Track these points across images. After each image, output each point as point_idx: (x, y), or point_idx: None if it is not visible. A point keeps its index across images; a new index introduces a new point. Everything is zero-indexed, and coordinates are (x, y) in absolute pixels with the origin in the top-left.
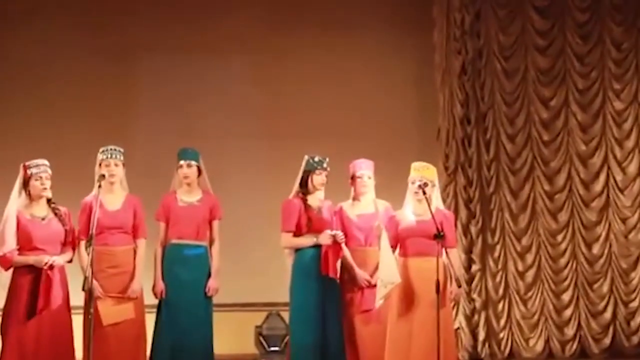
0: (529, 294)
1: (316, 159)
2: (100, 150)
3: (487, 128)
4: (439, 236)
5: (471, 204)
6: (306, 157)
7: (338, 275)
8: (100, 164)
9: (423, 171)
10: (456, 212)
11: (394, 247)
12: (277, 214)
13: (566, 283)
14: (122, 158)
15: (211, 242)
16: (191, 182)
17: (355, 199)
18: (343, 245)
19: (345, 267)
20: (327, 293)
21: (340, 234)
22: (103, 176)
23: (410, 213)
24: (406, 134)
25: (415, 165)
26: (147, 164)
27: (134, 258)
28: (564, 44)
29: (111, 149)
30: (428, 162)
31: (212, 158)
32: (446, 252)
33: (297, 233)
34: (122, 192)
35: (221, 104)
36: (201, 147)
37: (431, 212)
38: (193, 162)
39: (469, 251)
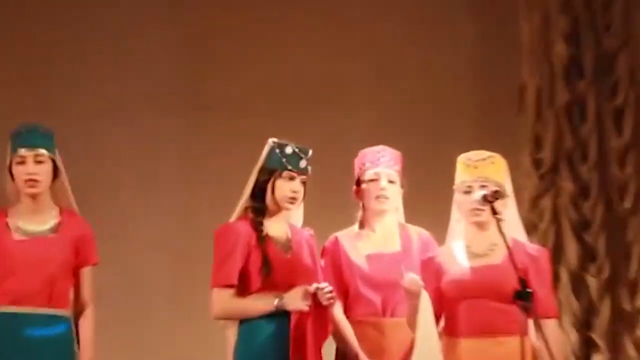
0: None
1: (288, 148)
2: None
3: (619, 83)
4: (524, 296)
5: (589, 231)
6: (270, 142)
7: None
8: None
9: (484, 169)
10: (557, 247)
11: (436, 317)
12: (207, 250)
13: None
14: None
15: (79, 308)
16: (38, 192)
17: (364, 224)
18: (338, 312)
19: (344, 354)
20: None
21: (327, 290)
22: None
23: (462, 251)
24: (456, 99)
25: (465, 158)
26: None
27: None
28: None
29: None
30: (495, 151)
31: (88, 149)
32: (538, 327)
33: (244, 289)
34: None
35: (114, 51)
36: (68, 128)
37: (508, 247)
38: (43, 152)
39: (584, 325)
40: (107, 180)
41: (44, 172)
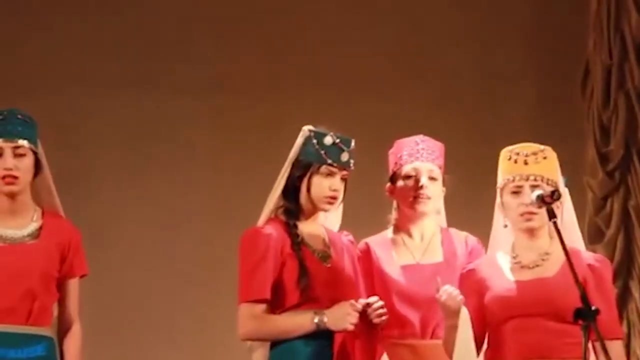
0: None
1: (327, 138)
2: None
3: None
4: (586, 314)
5: None
6: (305, 130)
7: None
8: None
9: (536, 165)
10: (627, 258)
11: (478, 341)
12: (220, 259)
13: None
14: None
15: (63, 327)
16: (18, 190)
17: (400, 227)
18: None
19: None
20: None
21: (378, 306)
22: None
23: (508, 262)
24: (508, 79)
25: (512, 152)
26: None
27: None
28: None
29: None
30: (555, 142)
31: (69, 136)
32: (601, 351)
33: (277, 304)
34: None
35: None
36: (41, 111)
37: (568, 257)
38: (24, 144)
39: None
40: (93, 175)
41: (24, 166)
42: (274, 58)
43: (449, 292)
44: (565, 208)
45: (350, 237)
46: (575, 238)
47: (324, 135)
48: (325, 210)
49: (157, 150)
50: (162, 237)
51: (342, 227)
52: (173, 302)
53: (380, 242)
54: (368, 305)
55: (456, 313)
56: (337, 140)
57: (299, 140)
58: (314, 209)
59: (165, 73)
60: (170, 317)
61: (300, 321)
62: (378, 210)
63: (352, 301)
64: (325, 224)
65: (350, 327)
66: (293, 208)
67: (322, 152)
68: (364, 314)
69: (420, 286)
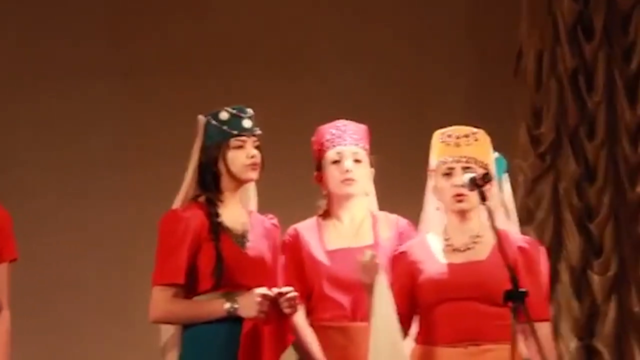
0: None
1: (223, 114)
2: None
3: (633, 48)
4: (515, 296)
5: (594, 221)
6: (200, 118)
7: None
8: None
9: (467, 147)
10: (557, 240)
11: (404, 322)
12: (148, 244)
13: None
14: None
15: None
16: None
17: (330, 212)
18: (300, 317)
19: None
20: None
21: (290, 296)
22: None
23: (440, 245)
24: (442, 62)
25: (444, 135)
26: None
27: None
28: None
29: None
30: (488, 125)
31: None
32: (530, 332)
33: (190, 288)
34: None
35: None
36: None
37: (500, 240)
38: None
39: (586, 331)
40: (19, 160)
41: None
42: (207, 38)
43: (370, 257)
44: (506, 188)
45: (275, 221)
46: (513, 222)
47: (218, 112)
48: (253, 179)
49: (85, 137)
50: (93, 222)
51: (274, 213)
52: (104, 288)
53: (309, 227)
54: (281, 294)
55: (369, 281)
56: (234, 112)
57: (200, 129)
58: (239, 184)
59: (87, 57)
60: (101, 302)
61: (211, 307)
62: (304, 195)
63: (264, 289)
64: (250, 205)
65: (261, 316)
66: (213, 197)
67: (224, 127)
68: (276, 302)
69: (351, 269)
